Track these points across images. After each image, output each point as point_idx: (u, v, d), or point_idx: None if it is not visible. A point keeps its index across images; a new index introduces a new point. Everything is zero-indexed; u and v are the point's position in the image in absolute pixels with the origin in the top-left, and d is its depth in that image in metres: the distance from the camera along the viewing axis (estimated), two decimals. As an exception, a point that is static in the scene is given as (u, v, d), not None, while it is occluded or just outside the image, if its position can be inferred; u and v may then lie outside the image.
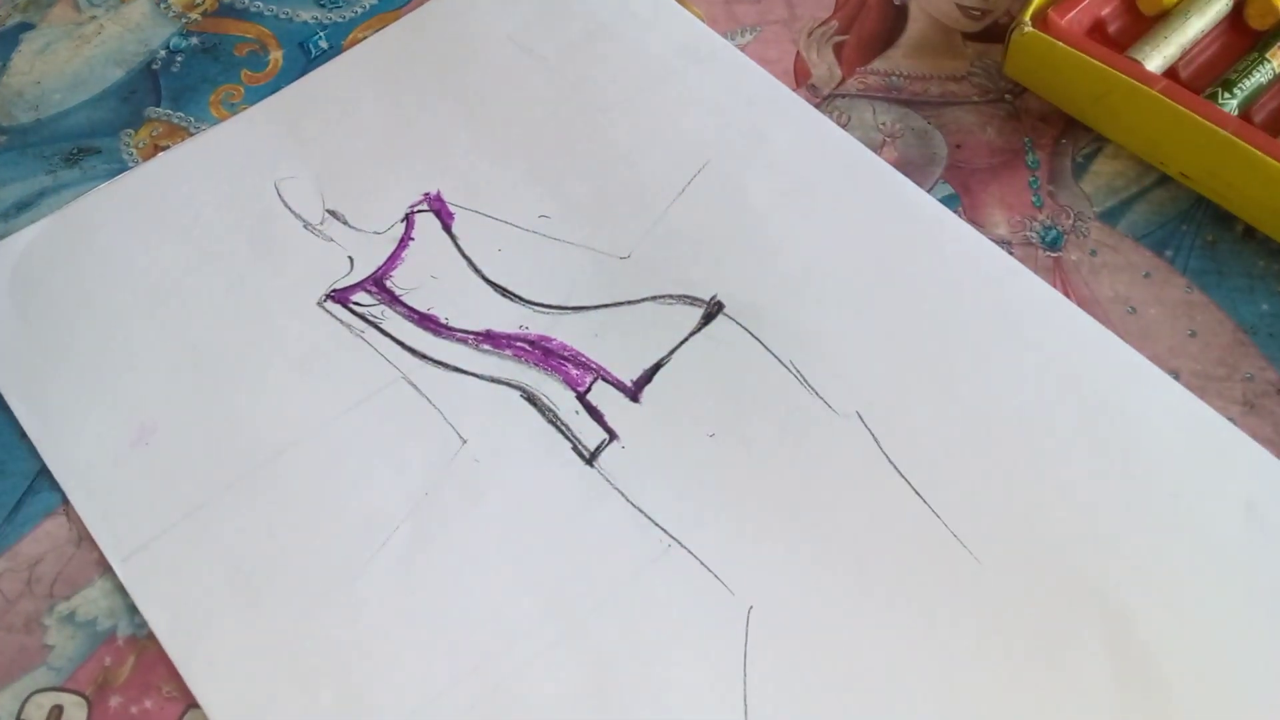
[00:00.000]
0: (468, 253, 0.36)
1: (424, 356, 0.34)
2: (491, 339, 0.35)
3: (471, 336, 0.35)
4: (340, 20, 0.42)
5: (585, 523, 0.31)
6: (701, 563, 0.31)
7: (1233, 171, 0.35)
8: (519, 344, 0.34)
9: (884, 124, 0.39)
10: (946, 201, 0.37)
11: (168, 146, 0.39)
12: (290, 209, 0.37)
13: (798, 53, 0.41)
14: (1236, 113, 0.36)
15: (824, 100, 0.40)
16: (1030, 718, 0.28)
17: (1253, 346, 0.34)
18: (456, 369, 0.34)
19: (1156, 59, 0.37)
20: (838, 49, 0.41)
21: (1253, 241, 0.36)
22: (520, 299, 0.35)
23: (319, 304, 0.35)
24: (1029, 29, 0.37)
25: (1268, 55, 0.37)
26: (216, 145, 0.39)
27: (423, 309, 0.35)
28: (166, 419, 0.33)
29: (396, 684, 0.29)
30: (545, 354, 0.34)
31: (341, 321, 0.35)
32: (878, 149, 0.38)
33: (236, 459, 0.32)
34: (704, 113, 0.39)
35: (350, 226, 0.37)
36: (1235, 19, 0.39)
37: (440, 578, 0.31)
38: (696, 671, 0.29)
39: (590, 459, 0.32)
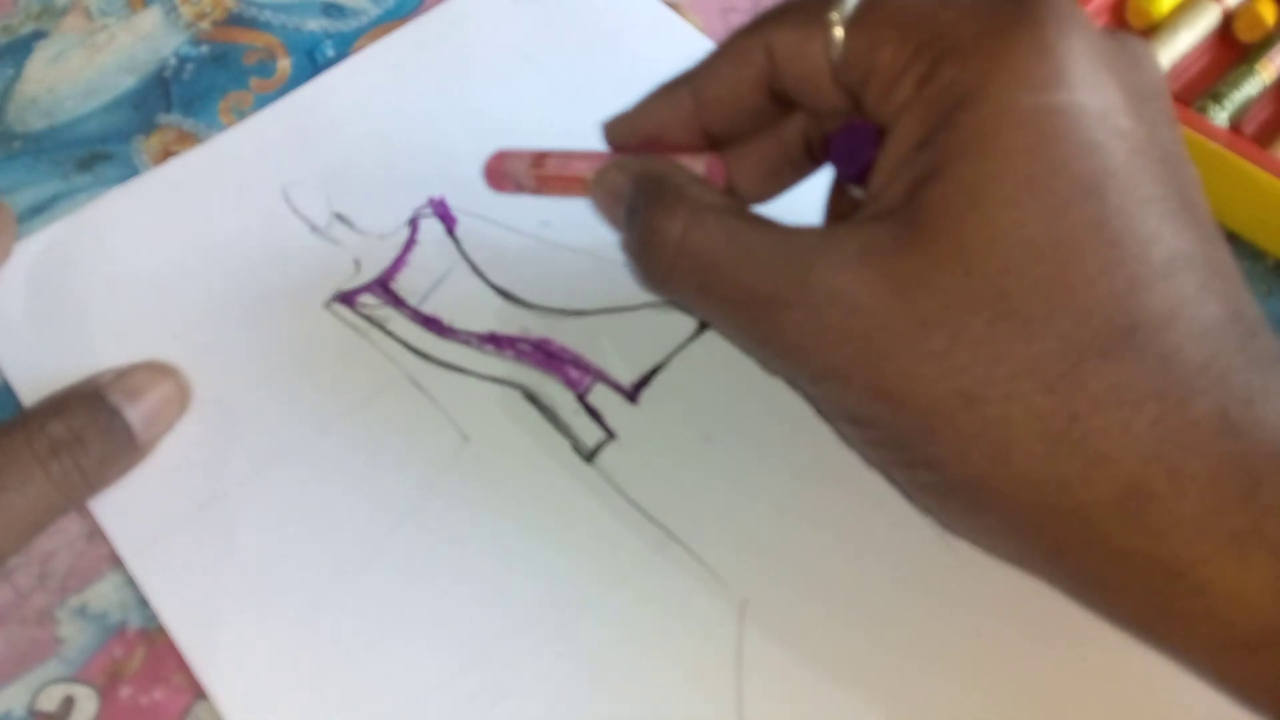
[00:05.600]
0: (471, 257, 0.37)
1: (427, 357, 0.35)
2: (494, 341, 0.35)
3: (474, 338, 0.35)
4: (346, 29, 0.43)
5: (583, 519, 0.32)
6: (697, 558, 0.31)
7: (1222, 183, 0.35)
8: (521, 346, 0.35)
9: (879, 133, 0.39)
10: (940, 209, 0.37)
11: (178, 152, 0.40)
12: (298, 212, 0.38)
13: (796, 63, 0.41)
14: (1226, 125, 0.37)
15: (821, 109, 0.40)
16: (1026, 713, 0.29)
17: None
18: (459, 369, 0.35)
19: (1146, 70, 0.38)
20: (835, 59, 0.42)
21: (1241, 252, 0.36)
22: (522, 302, 0.36)
23: (325, 306, 0.36)
24: (1021, 40, 0.38)
25: (1256, 67, 0.38)
26: (225, 151, 0.40)
27: (427, 311, 0.36)
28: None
29: (400, 676, 0.30)
30: (546, 356, 0.35)
31: (347, 323, 0.36)
32: (873, 157, 0.39)
33: (245, 456, 0.33)
34: (703, 121, 0.39)
35: (356, 230, 0.38)
36: (1224, 32, 0.40)
37: (443, 572, 0.31)
38: (691, 665, 0.30)
39: (589, 457, 0.33)
